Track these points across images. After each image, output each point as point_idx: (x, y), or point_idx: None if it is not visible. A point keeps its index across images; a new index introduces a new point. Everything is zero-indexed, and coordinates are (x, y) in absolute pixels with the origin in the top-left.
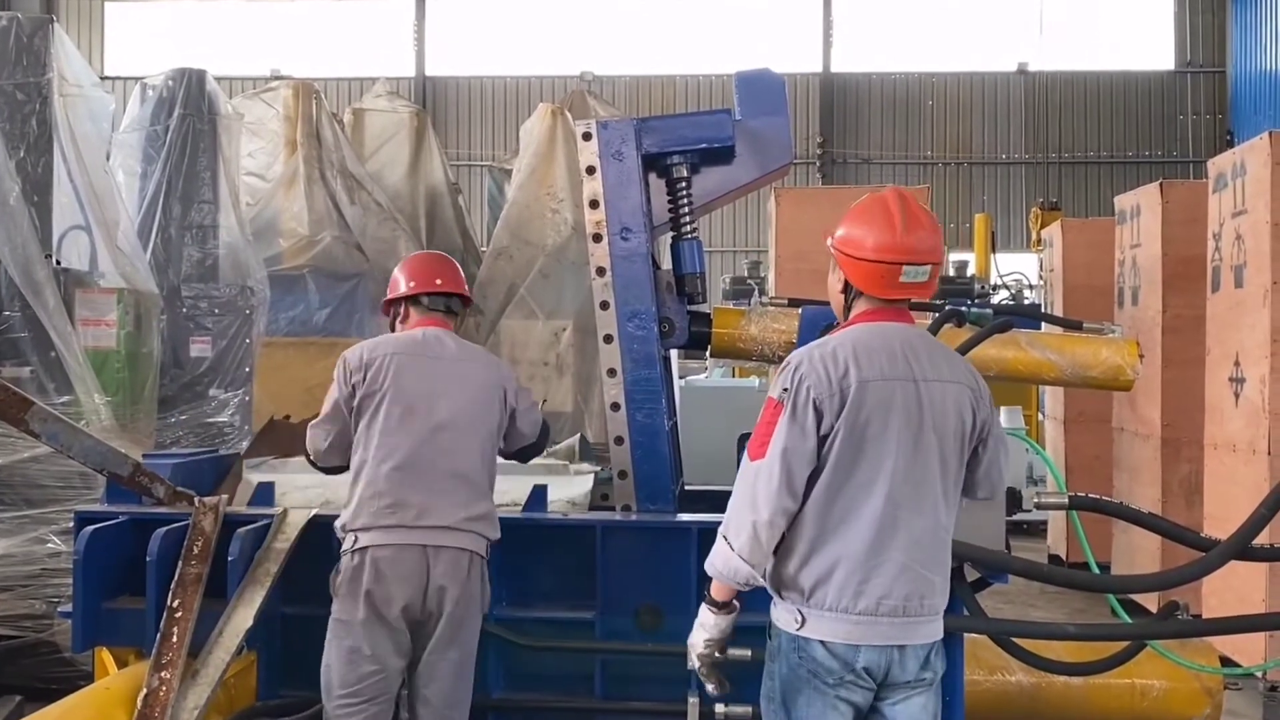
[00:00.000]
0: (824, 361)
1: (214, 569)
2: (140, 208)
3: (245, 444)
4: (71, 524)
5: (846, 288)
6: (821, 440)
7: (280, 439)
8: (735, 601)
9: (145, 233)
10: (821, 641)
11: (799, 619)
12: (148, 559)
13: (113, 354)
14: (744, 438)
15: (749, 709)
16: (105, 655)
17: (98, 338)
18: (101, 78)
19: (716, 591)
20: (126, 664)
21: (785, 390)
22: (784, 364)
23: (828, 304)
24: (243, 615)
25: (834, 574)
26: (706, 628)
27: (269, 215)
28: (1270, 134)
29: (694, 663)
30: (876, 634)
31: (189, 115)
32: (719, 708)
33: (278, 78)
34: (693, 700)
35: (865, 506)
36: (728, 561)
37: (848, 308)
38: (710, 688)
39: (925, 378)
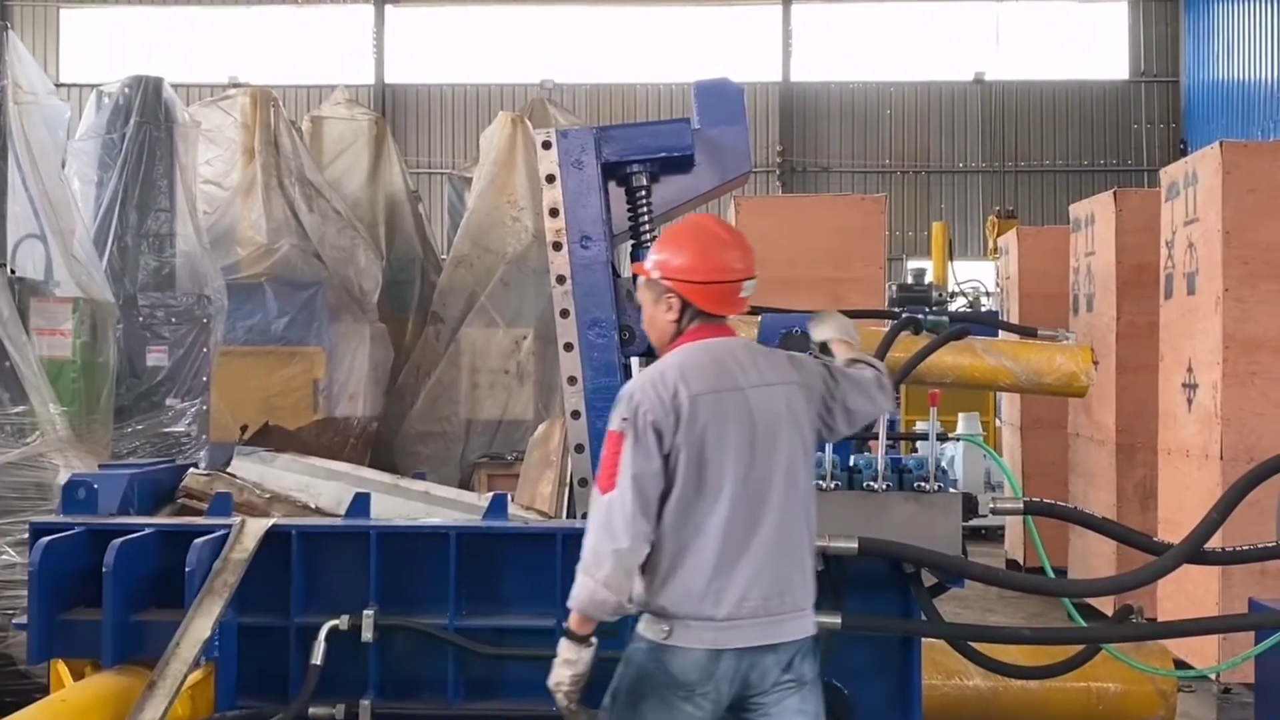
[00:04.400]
0: (654, 386)
1: (170, 579)
2: (96, 216)
3: (203, 454)
4: (26, 535)
5: (682, 314)
6: (665, 460)
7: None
8: (593, 638)
9: (101, 241)
10: (686, 650)
11: (665, 631)
12: (104, 570)
13: (68, 364)
14: None
15: None
16: (61, 667)
17: (53, 347)
18: (57, 85)
19: (578, 625)
20: (83, 676)
21: (625, 420)
22: (618, 397)
23: (788, 311)
24: (200, 626)
25: (694, 585)
26: (571, 663)
27: (226, 223)
28: (1221, 143)
29: (561, 701)
30: (741, 636)
31: (145, 123)
32: None
33: (235, 85)
34: None
35: (714, 516)
36: (593, 595)
37: (676, 334)
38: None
39: (751, 384)
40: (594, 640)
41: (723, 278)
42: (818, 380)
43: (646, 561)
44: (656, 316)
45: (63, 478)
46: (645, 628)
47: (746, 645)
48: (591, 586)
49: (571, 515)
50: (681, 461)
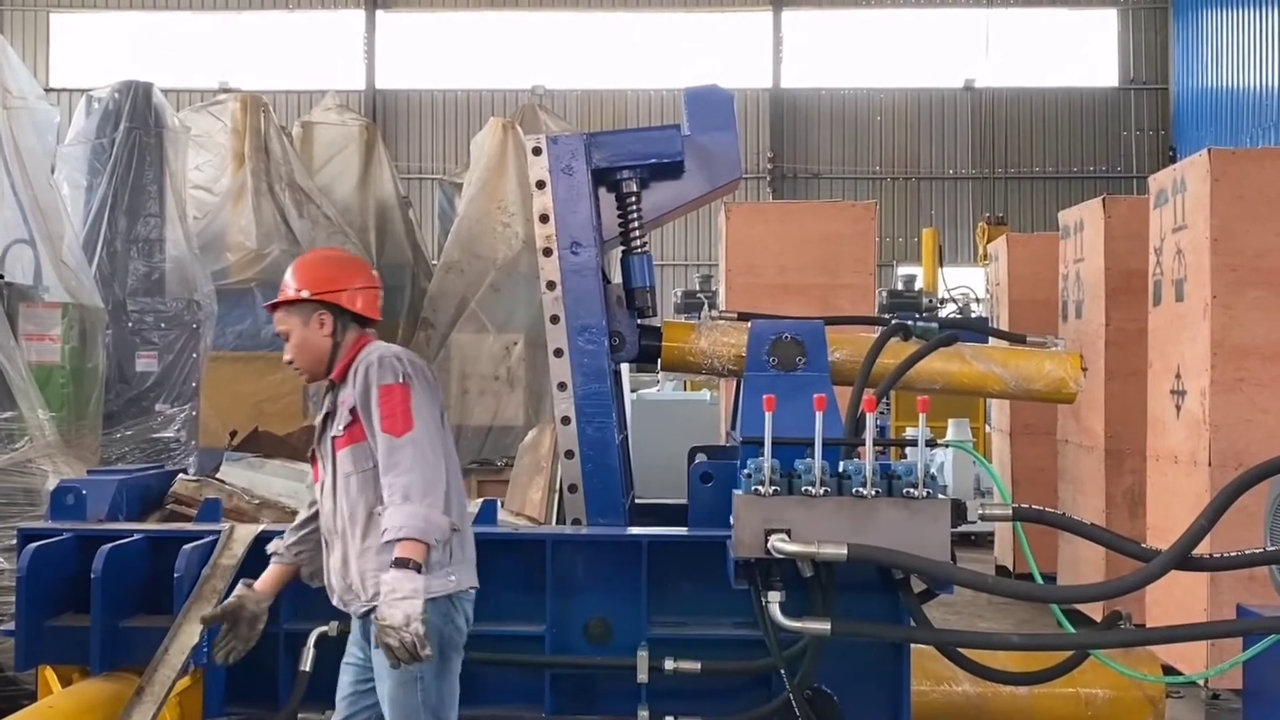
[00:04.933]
0: (404, 351)
1: (159, 585)
2: (86, 221)
3: (192, 459)
4: (14, 541)
5: (337, 329)
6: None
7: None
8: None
9: (91, 246)
10: (467, 591)
11: (452, 578)
12: (92, 576)
13: (57, 369)
14: (695, 451)
15: None
16: (49, 673)
17: (42, 353)
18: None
19: (415, 552)
20: (70, 682)
21: (403, 374)
22: (375, 363)
23: (779, 318)
24: (189, 632)
25: (464, 526)
26: (418, 592)
27: (216, 229)
28: (1210, 151)
29: (417, 631)
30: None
31: (135, 128)
32: (668, 719)
33: (225, 90)
34: (643, 714)
35: (456, 472)
36: (429, 519)
37: (335, 347)
38: (426, 652)
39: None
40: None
41: (375, 282)
42: None
43: None
44: (312, 337)
45: (51, 483)
46: (432, 585)
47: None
48: (425, 513)
49: (561, 521)
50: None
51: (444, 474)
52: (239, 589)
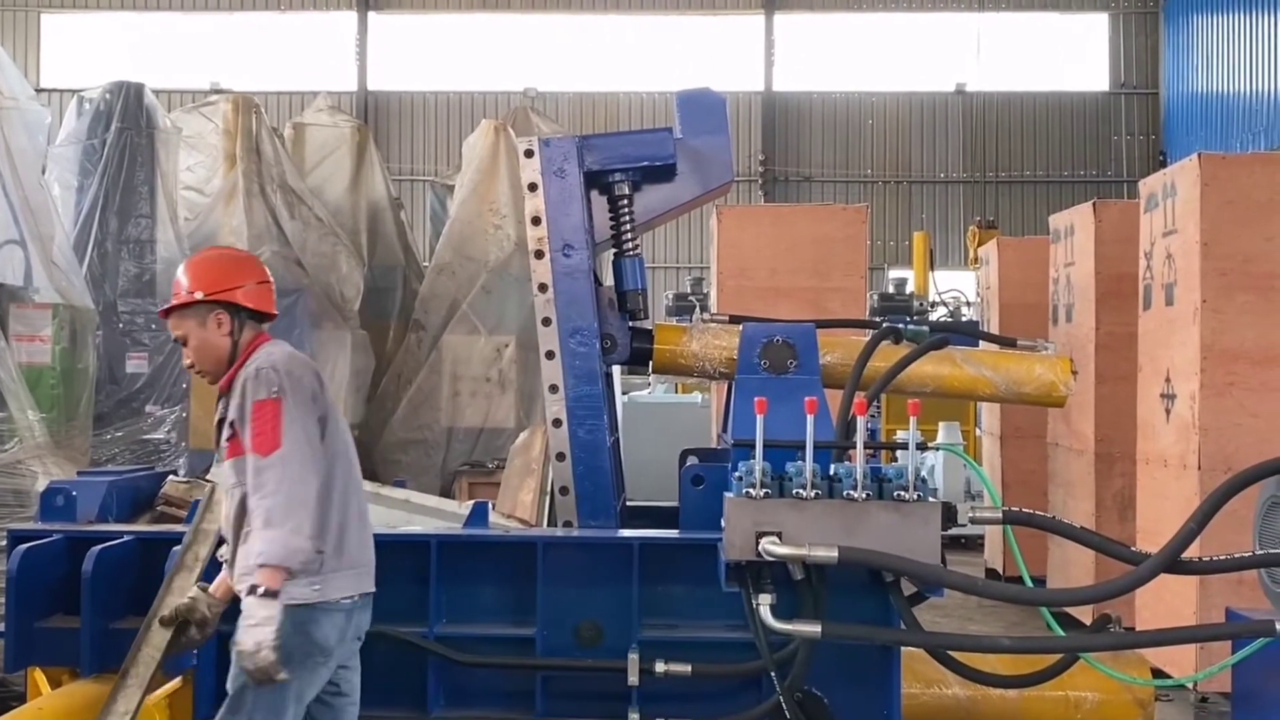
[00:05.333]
0: (295, 358)
1: (149, 587)
2: (76, 222)
3: (182, 461)
4: (4, 542)
5: (235, 327)
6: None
7: None
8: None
9: (81, 247)
10: (335, 609)
11: (316, 588)
12: (82, 578)
13: (47, 370)
14: (686, 453)
15: None
16: (38, 675)
17: (32, 354)
18: (37, 90)
19: (271, 580)
20: (60, 684)
21: (276, 388)
22: (252, 376)
23: (770, 321)
24: (171, 605)
25: (346, 533)
26: (272, 619)
27: (207, 230)
28: (1200, 155)
29: (268, 658)
30: (366, 581)
31: (126, 129)
32: None
33: (217, 91)
34: (633, 716)
35: (351, 475)
36: (289, 545)
37: (235, 345)
38: (281, 676)
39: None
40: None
41: (265, 277)
42: None
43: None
44: (211, 338)
45: (41, 485)
46: (292, 593)
47: (370, 589)
48: (285, 538)
49: (552, 523)
50: (327, 424)
51: (313, 491)
52: (194, 591)
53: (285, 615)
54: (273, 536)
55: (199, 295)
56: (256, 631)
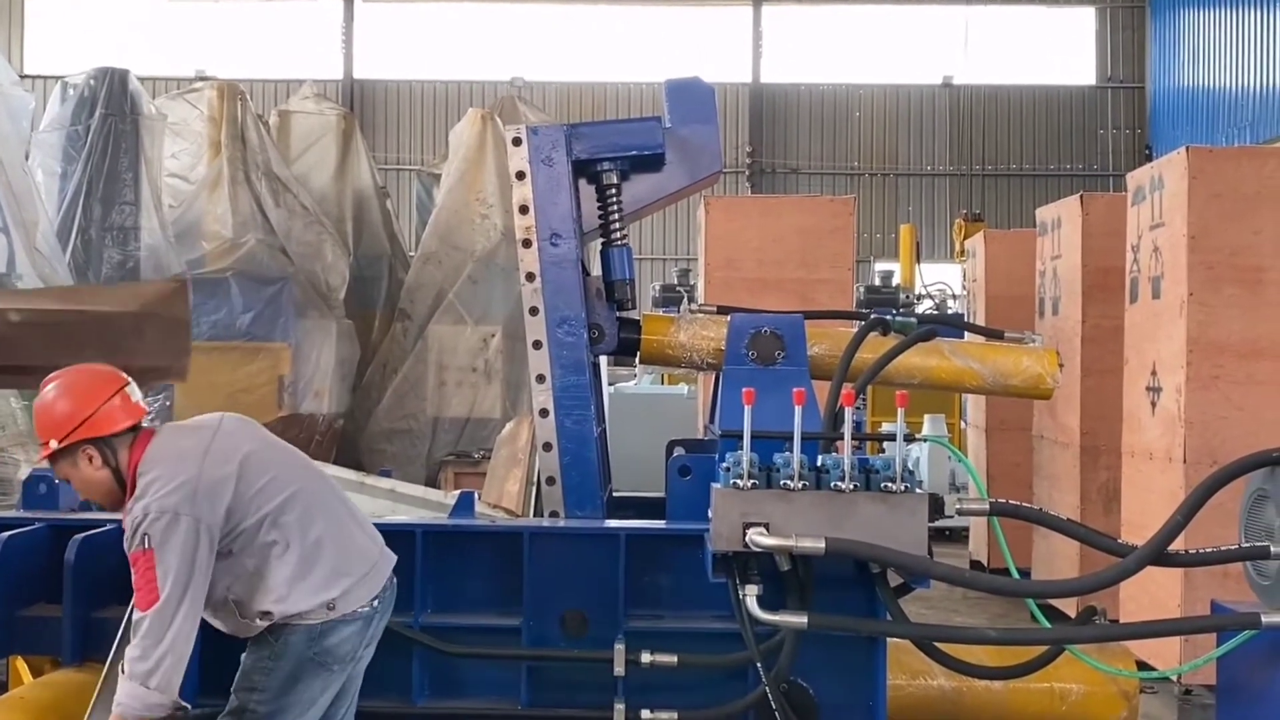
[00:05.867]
0: (168, 493)
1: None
2: (60, 208)
3: None
4: None
5: (108, 456)
6: (226, 528)
7: None
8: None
9: (65, 234)
10: (351, 621)
11: (331, 609)
12: (65, 566)
13: None
14: (673, 444)
15: (674, 714)
16: (20, 664)
17: None
18: (21, 76)
19: None
20: (42, 673)
21: (143, 537)
22: (130, 527)
23: (758, 312)
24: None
25: (322, 553)
26: None
27: (192, 217)
28: (1187, 149)
29: None
30: (381, 574)
31: (111, 115)
32: (645, 713)
33: (202, 78)
34: (619, 706)
35: (314, 507)
36: (145, 700)
37: (117, 469)
38: None
39: (214, 427)
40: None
41: (98, 403)
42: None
43: (277, 592)
44: (93, 476)
45: (24, 473)
46: (304, 618)
47: (385, 577)
48: (143, 695)
49: (538, 514)
50: (249, 509)
51: (186, 640)
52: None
53: (299, 634)
54: (132, 690)
55: (54, 445)
56: None
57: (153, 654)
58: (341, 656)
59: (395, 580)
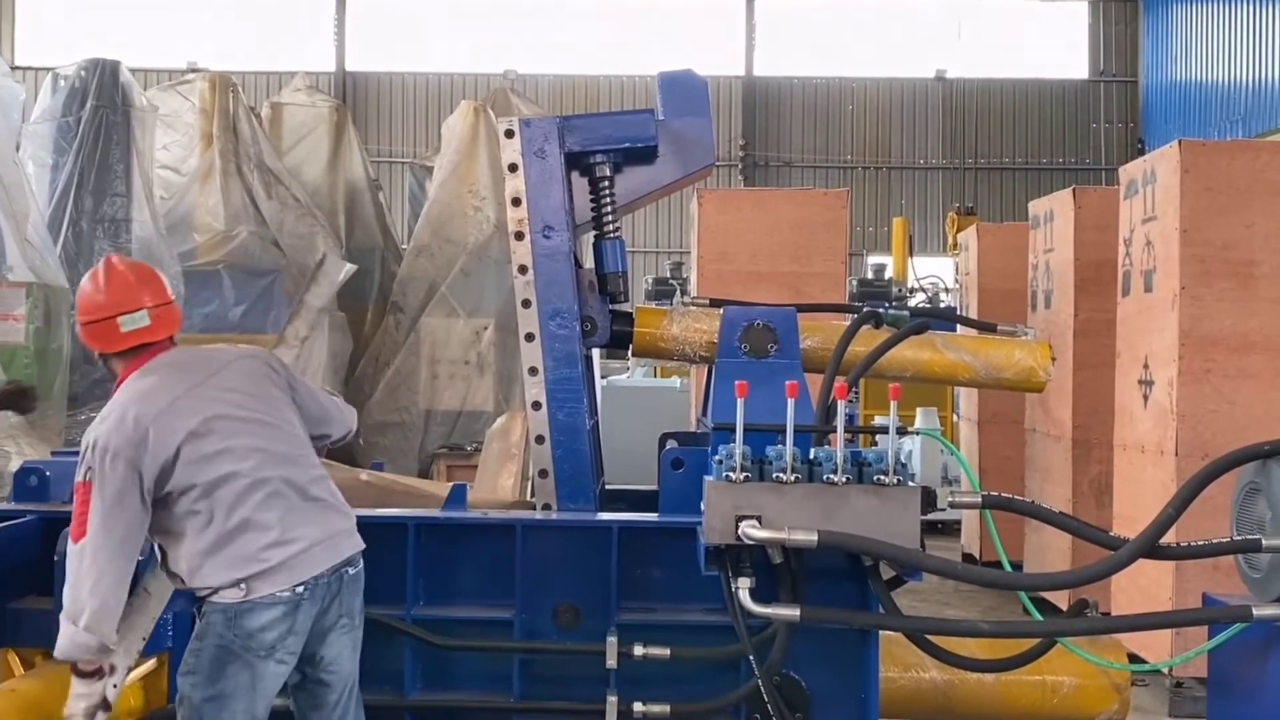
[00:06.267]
0: (118, 429)
1: None
2: (51, 200)
3: None
4: None
5: (105, 361)
6: (158, 486)
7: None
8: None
9: (56, 226)
10: (268, 604)
11: (243, 590)
12: (55, 558)
13: (21, 349)
14: (665, 437)
15: (666, 707)
16: (11, 657)
17: (5, 333)
18: (12, 67)
19: (84, 665)
20: (34, 665)
21: (87, 469)
22: (85, 448)
23: (751, 305)
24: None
25: (253, 543)
26: (86, 696)
27: (184, 209)
28: (1180, 142)
29: None
30: (311, 565)
31: (102, 107)
32: (637, 706)
33: (194, 70)
34: (611, 699)
35: (250, 482)
36: (74, 639)
37: (113, 374)
38: None
39: (209, 373)
40: (104, 674)
41: (89, 317)
42: (278, 361)
43: (189, 562)
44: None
45: (14, 465)
46: (220, 597)
47: (325, 567)
48: (71, 633)
49: (531, 508)
50: (180, 472)
51: (111, 581)
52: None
53: (217, 613)
54: (64, 629)
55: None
56: (71, 704)
57: (81, 593)
58: (266, 644)
59: (351, 574)
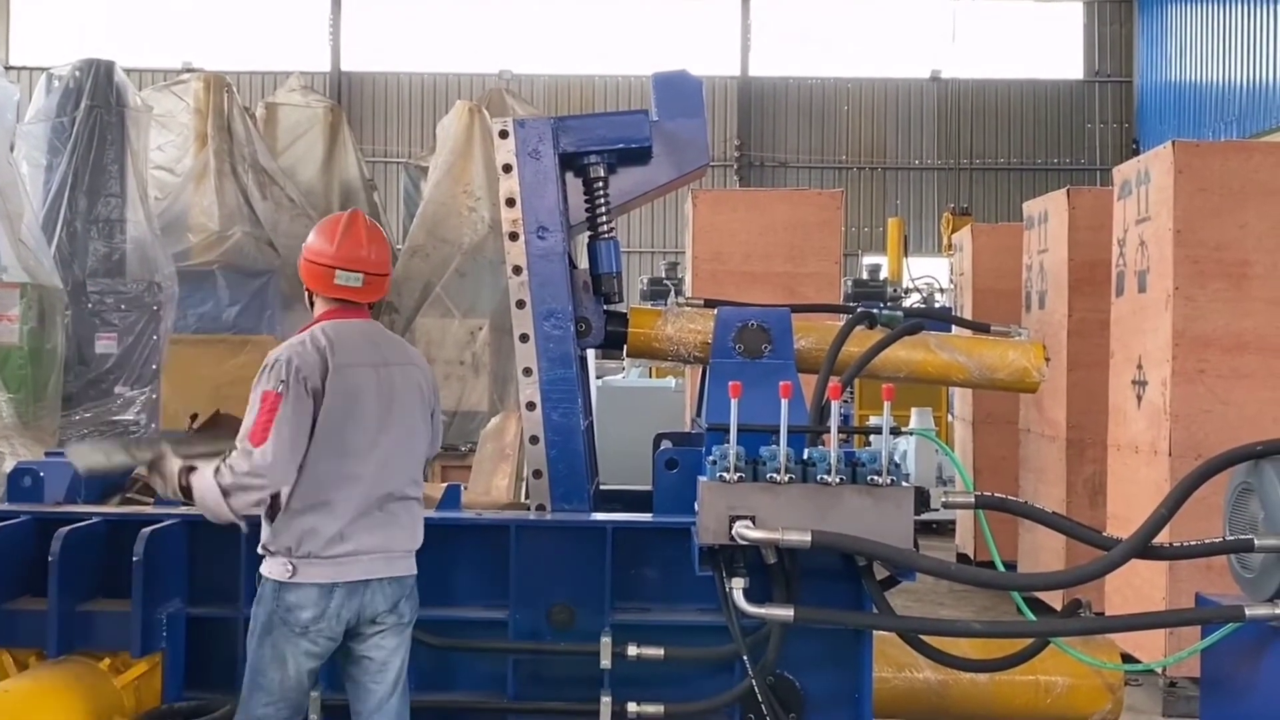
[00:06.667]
0: (308, 349)
1: (117, 569)
2: (45, 200)
3: None
4: None
5: (311, 295)
6: (315, 416)
7: (222, 432)
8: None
9: (50, 226)
10: (309, 586)
11: (290, 569)
12: (50, 559)
13: (15, 350)
14: (660, 437)
15: (660, 707)
16: (5, 657)
17: None
18: (6, 68)
19: (186, 494)
20: (27, 666)
21: (282, 381)
22: (269, 367)
23: (745, 305)
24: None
25: (321, 528)
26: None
27: (178, 210)
28: (1174, 143)
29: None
30: (355, 570)
31: (96, 107)
32: (631, 706)
33: (189, 70)
34: (605, 699)
35: (351, 470)
36: (214, 499)
37: (313, 306)
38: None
39: (389, 362)
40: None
41: (313, 259)
42: (432, 382)
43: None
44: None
45: (8, 465)
46: (270, 568)
47: (360, 578)
48: (219, 502)
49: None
50: (327, 418)
51: (274, 479)
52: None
53: (269, 584)
54: (210, 487)
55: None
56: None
57: (242, 481)
58: (301, 622)
59: (394, 586)
